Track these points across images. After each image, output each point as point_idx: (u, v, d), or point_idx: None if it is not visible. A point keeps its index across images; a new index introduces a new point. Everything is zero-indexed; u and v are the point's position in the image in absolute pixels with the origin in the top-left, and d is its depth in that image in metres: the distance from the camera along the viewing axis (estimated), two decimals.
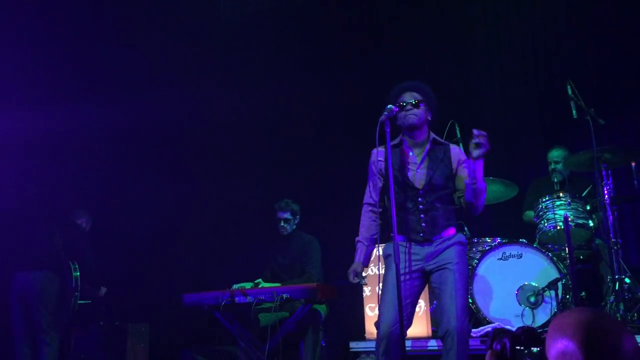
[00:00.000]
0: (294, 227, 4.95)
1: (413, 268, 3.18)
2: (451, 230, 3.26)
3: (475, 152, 3.01)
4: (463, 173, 3.25)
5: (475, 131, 3.02)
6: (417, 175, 3.25)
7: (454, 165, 3.29)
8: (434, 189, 3.23)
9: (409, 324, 3.20)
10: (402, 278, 3.08)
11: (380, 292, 3.27)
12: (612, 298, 4.22)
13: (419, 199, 3.22)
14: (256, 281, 4.62)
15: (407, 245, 3.21)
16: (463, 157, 3.33)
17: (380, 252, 3.36)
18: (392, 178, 3.06)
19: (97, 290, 5.43)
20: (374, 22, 6.77)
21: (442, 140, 3.39)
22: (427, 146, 3.29)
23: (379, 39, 6.66)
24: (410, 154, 3.29)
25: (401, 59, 6.36)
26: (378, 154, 3.35)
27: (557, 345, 1.37)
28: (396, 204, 3.11)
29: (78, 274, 5.04)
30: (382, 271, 3.27)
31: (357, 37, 6.71)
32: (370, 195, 3.41)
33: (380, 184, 3.37)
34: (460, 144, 4.39)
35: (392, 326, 3.05)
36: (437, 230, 3.22)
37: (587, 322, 1.37)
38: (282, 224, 4.90)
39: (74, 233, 5.17)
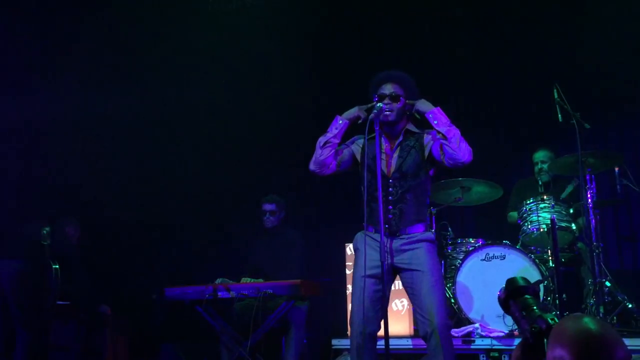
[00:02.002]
0: (278, 222, 4.93)
1: (380, 262, 3.05)
2: (419, 227, 3.20)
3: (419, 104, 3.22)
4: (438, 142, 3.20)
5: None
6: (388, 163, 3.24)
7: (427, 150, 3.24)
8: (405, 178, 3.19)
9: (380, 319, 3.10)
10: (369, 272, 3.08)
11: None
12: (592, 301, 4.27)
13: (389, 189, 3.18)
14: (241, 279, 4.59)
15: (375, 237, 3.14)
16: (435, 136, 3.26)
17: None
18: (366, 167, 3.12)
19: (98, 308, 5.34)
20: (364, 14, 6.78)
21: (417, 130, 3.33)
22: (401, 137, 3.28)
23: (369, 31, 6.66)
24: (385, 144, 3.28)
25: (390, 56, 6.37)
26: (358, 139, 3.38)
27: (554, 352, 1.40)
28: (368, 193, 3.12)
29: (59, 274, 4.98)
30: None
31: (344, 29, 6.70)
32: None
33: (345, 156, 3.35)
34: None
35: (363, 324, 3.04)
36: (404, 224, 3.17)
37: (583, 334, 1.39)
38: (267, 216, 4.88)
39: (62, 240, 5.12)
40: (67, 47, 6.44)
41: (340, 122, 3.32)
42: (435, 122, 3.19)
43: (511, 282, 1.78)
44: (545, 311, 1.65)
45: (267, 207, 4.89)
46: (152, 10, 6.69)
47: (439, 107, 3.25)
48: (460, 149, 3.12)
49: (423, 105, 3.26)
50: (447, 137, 3.13)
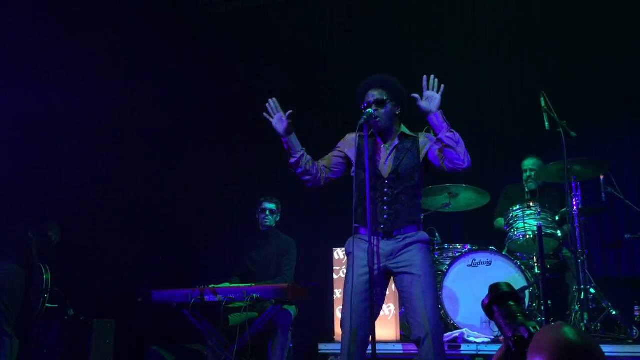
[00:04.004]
0: (274, 223, 4.96)
1: (374, 264, 3.05)
2: (413, 228, 3.19)
3: (425, 105, 3.14)
4: (436, 147, 3.20)
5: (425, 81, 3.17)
6: (385, 165, 3.23)
7: (423, 153, 3.25)
8: (400, 179, 3.19)
9: (373, 324, 3.06)
10: (361, 277, 3.06)
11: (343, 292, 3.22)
12: (577, 307, 4.31)
13: (385, 190, 3.18)
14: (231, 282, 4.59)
15: (369, 240, 3.08)
16: (432, 139, 3.28)
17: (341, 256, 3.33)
18: (368, 168, 3.08)
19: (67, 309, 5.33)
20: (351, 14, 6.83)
21: (411, 133, 3.33)
22: (396, 140, 3.28)
23: (356, 32, 6.70)
24: (381, 145, 3.28)
25: (375, 62, 6.41)
26: (352, 139, 3.32)
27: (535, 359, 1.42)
28: (362, 194, 3.09)
29: (49, 276, 4.95)
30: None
31: (335, 28, 6.73)
32: (322, 158, 3.38)
33: (339, 159, 3.35)
34: None
35: (354, 328, 3.02)
36: (399, 225, 3.15)
37: (562, 343, 1.41)
38: (267, 213, 4.91)
39: (44, 244, 5.09)
40: (54, 43, 6.41)
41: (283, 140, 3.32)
42: (443, 125, 3.16)
43: (495, 288, 1.77)
44: (528, 319, 1.65)
45: (268, 205, 4.93)
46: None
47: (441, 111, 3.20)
48: (466, 155, 3.12)
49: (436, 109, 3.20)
50: (456, 142, 3.10)
